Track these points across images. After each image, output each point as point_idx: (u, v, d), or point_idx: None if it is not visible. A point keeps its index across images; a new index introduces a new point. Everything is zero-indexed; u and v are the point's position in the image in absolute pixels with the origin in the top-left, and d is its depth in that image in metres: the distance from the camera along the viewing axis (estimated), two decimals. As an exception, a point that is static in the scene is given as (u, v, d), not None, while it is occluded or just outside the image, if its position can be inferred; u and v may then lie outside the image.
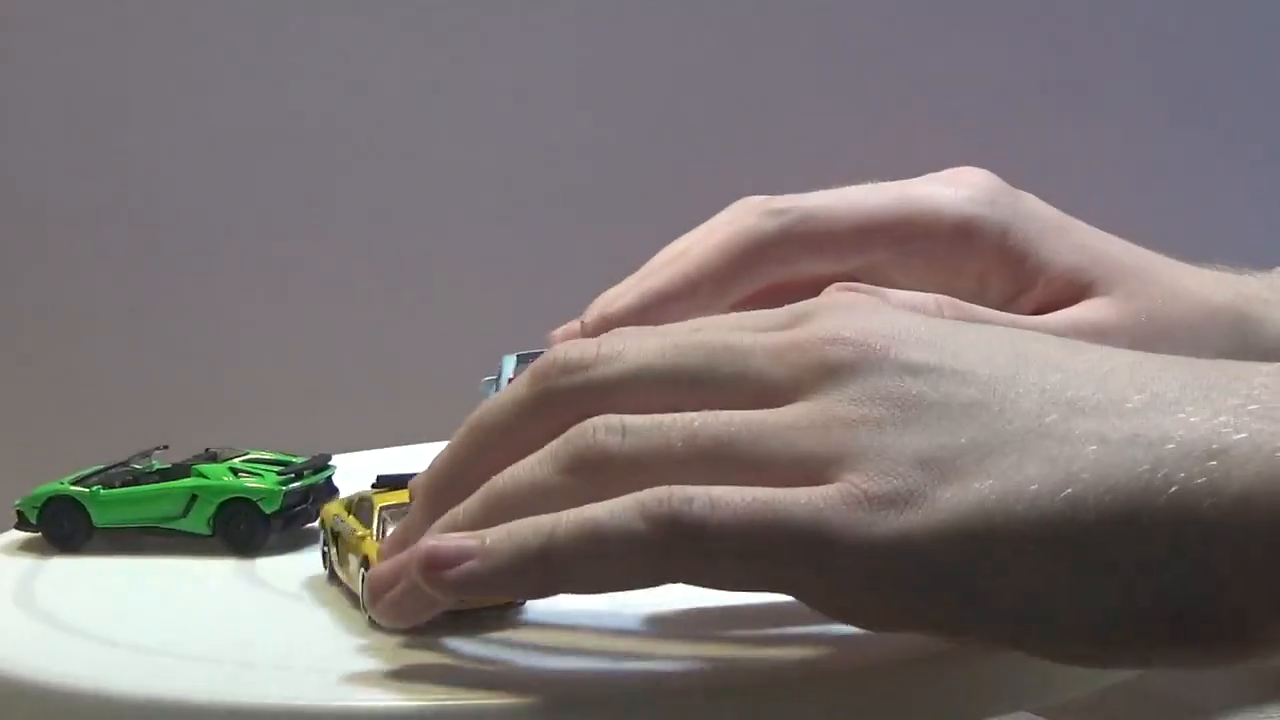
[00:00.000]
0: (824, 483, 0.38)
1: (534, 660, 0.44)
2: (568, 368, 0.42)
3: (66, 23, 1.22)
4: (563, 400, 0.42)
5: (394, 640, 0.45)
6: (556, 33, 1.31)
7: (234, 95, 1.26)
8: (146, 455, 0.62)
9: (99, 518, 0.58)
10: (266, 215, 1.28)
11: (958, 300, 0.51)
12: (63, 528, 0.58)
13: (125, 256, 1.25)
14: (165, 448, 0.63)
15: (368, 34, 1.28)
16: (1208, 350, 0.53)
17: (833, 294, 0.48)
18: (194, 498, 0.57)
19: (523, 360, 0.61)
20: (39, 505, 0.58)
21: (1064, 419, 0.36)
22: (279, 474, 0.58)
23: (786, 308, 0.43)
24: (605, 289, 0.57)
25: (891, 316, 0.41)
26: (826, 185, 0.57)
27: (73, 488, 0.58)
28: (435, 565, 0.40)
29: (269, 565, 0.55)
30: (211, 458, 0.60)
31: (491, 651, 0.45)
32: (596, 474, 0.40)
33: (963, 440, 0.37)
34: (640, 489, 0.38)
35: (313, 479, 0.58)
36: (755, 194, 0.57)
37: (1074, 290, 0.54)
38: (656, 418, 0.40)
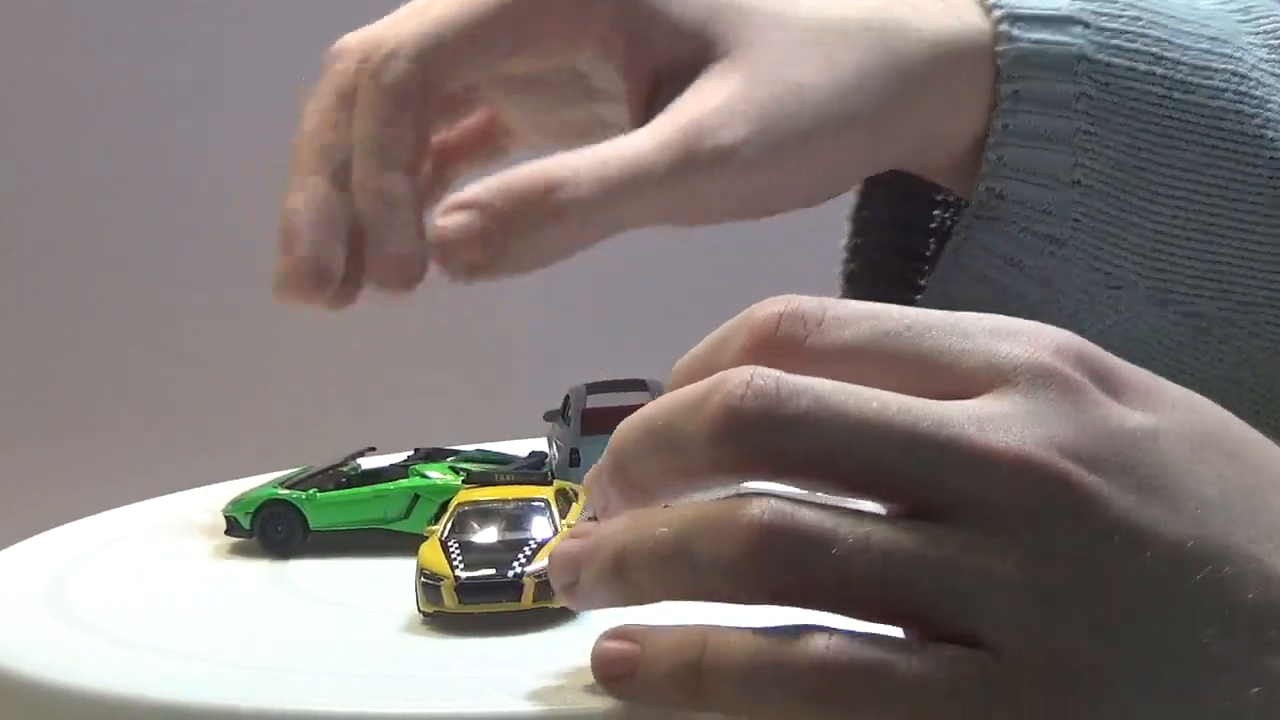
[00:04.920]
0: (974, 642, 0.36)
1: (579, 669, 0.41)
2: (748, 420, 0.37)
3: (70, 24, 1.22)
4: (748, 458, 0.38)
5: (443, 647, 0.45)
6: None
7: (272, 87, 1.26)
8: (355, 457, 0.61)
9: (315, 520, 0.57)
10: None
11: None
12: (278, 532, 0.57)
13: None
14: (373, 449, 0.62)
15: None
16: (852, 75, 0.49)
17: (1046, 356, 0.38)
18: (416, 498, 0.56)
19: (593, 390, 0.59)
20: (252, 510, 0.57)
21: (1218, 639, 0.36)
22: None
23: (987, 353, 0.38)
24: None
25: (1119, 429, 0.37)
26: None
27: (286, 491, 0.57)
28: (604, 674, 0.39)
29: (302, 569, 0.55)
30: (425, 457, 0.58)
31: (533, 656, 0.43)
32: (777, 598, 0.37)
33: (1126, 638, 0.36)
34: (811, 601, 0.37)
35: (533, 478, 0.57)
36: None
37: (696, 53, 0.48)
38: (838, 543, 0.36)
